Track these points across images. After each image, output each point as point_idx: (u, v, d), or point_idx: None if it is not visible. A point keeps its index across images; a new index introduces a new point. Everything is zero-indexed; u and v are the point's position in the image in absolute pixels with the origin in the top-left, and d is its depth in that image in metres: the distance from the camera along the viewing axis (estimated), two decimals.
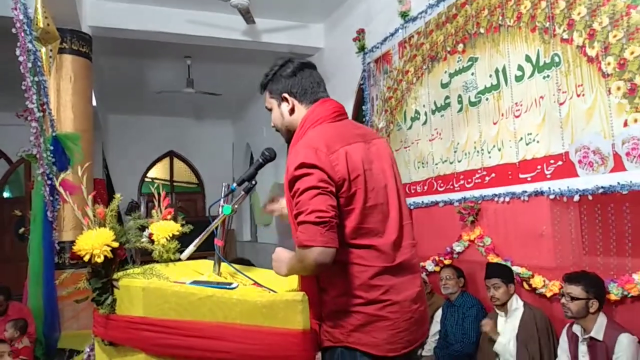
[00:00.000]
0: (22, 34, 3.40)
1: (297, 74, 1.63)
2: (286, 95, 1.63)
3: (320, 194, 1.39)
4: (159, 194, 2.09)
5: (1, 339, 3.18)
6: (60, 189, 1.46)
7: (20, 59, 3.44)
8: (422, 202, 4.15)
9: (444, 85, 3.93)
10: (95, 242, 1.37)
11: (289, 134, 1.68)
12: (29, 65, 3.57)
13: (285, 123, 1.66)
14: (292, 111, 1.64)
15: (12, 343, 3.73)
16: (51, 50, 4.24)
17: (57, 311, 4.42)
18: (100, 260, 1.36)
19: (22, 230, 5.17)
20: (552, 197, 2.94)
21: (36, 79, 3.76)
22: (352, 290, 1.45)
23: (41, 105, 3.97)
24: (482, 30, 3.52)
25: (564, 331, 2.69)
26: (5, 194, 8.86)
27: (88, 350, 3.76)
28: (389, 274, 1.48)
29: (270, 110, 1.71)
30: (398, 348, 1.46)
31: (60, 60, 4.87)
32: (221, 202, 1.75)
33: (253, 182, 1.77)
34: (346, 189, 1.45)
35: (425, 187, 4.16)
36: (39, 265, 4.31)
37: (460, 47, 3.74)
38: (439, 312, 3.64)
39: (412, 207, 4.23)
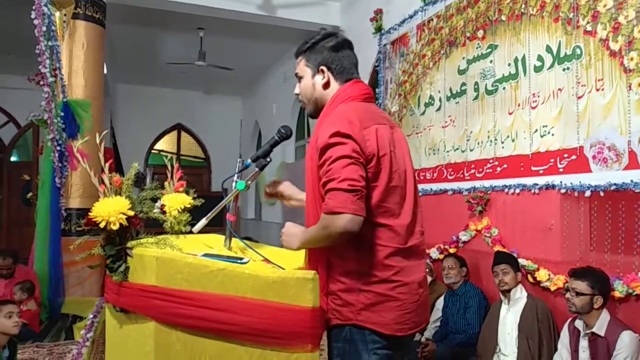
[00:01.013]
0: None
1: (340, 50, 1.61)
2: (324, 68, 1.61)
3: (352, 163, 1.40)
4: (172, 166, 2.09)
5: (11, 300, 3.23)
6: (78, 156, 1.46)
7: (36, 22, 3.42)
8: (431, 189, 4.14)
9: (461, 72, 3.88)
10: (111, 209, 1.37)
11: (315, 105, 1.66)
12: (44, 29, 3.55)
13: (316, 95, 1.64)
14: (326, 85, 1.62)
15: (19, 305, 3.78)
16: (65, 15, 4.22)
17: (62, 276, 4.47)
18: (115, 227, 1.37)
19: (29, 195, 5.20)
20: (563, 191, 2.92)
21: (50, 43, 3.74)
22: (365, 268, 1.46)
23: (53, 70, 3.96)
24: (503, 18, 3.46)
25: (566, 325, 2.70)
26: (13, 158, 8.89)
27: (91, 317, 3.83)
28: (401, 255, 1.50)
29: (299, 78, 1.67)
30: (405, 328, 1.48)
31: (74, 26, 4.83)
32: (235, 178, 1.74)
33: (268, 159, 1.76)
34: (374, 165, 1.46)
35: (435, 175, 4.14)
36: (45, 230, 4.36)
37: (480, 33, 3.68)
38: (441, 300, 3.66)
39: (420, 194, 4.19)
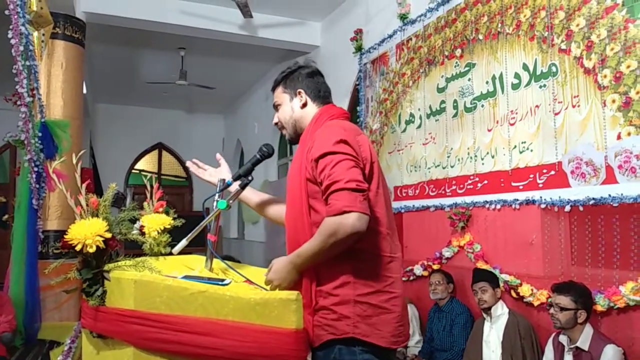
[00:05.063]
0: (16, 16, 3.33)
1: (314, 76, 1.71)
2: (301, 91, 1.68)
3: (355, 166, 1.44)
4: (151, 186, 2.05)
5: None
6: (54, 177, 1.42)
7: (13, 41, 3.37)
8: (413, 206, 4.16)
9: (440, 90, 3.93)
10: (87, 231, 1.33)
11: (294, 128, 1.71)
12: (21, 48, 3.50)
13: (295, 117, 1.69)
14: (304, 105, 1.68)
15: None
16: (43, 35, 4.16)
17: (39, 301, 4.34)
18: (92, 250, 1.33)
19: (5, 217, 5.07)
20: (543, 206, 2.96)
21: (27, 63, 3.68)
22: (362, 278, 1.46)
23: (31, 91, 3.90)
24: (480, 37, 3.53)
25: (550, 340, 2.70)
26: None
27: (69, 342, 3.71)
28: (394, 266, 1.52)
29: (277, 106, 1.73)
30: (399, 341, 1.49)
31: (52, 46, 4.78)
32: (216, 197, 1.72)
33: (249, 178, 1.74)
34: (368, 171, 1.51)
35: (417, 191, 4.16)
36: (21, 253, 4.24)
37: (458, 52, 3.75)
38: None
39: (402, 211, 4.24)
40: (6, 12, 3.29)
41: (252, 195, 1.88)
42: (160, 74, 7.56)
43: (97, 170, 9.16)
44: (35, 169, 4.11)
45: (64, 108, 4.90)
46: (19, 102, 3.71)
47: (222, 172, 1.87)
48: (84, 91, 5.72)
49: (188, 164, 1.96)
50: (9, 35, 3.34)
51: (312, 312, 1.47)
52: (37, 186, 4.19)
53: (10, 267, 4.28)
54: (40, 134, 4.14)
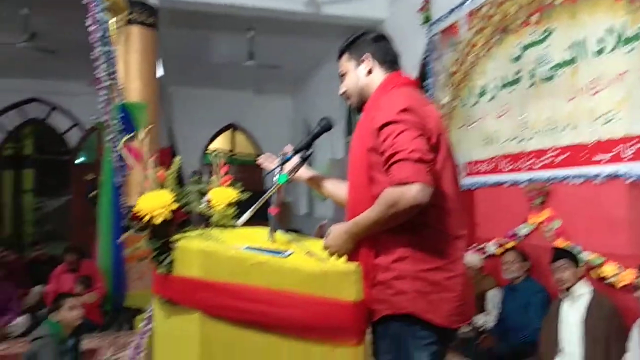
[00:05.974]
0: (93, 4, 3.52)
1: (380, 41, 1.66)
2: (368, 57, 1.62)
3: (420, 136, 1.39)
4: (217, 163, 2.11)
5: (71, 294, 3.43)
6: (126, 153, 1.49)
7: (91, 29, 3.57)
8: (486, 182, 3.99)
9: (515, 59, 3.70)
10: (154, 203, 1.39)
11: (360, 97, 1.65)
12: (99, 35, 3.70)
13: (360, 84, 1.64)
14: (369, 72, 1.62)
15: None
16: (119, 22, 4.37)
17: (124, 271, 4.66)
18: (158, 221, 1.39)
19: (92, 193, 5.47)
20: (630, 180, 2.72)
21: (105, 48, 3.89)
22: (420, 253, 1.42)
23: (109, 75, 4.12)
24: (558, 0, 3.26)
25: (637, 325, 2.51)
26: (81, 159, 9.41)
27: (150, 309, 3.96)
28: (457, 243, 1.47)
29: (343, 75, 1.68)
30: (458, 320, 1.45)
31: (128, 31, 5.01)
32: (277, 171, 1.74)
33: (309, 151, 1.74)
34: (434, 143, 1.44)
35: (490, 167, 3.98)
36: (107, 228, 4.56)
37: (534, 18, 3.49)
38: (495, 294, 3.56)
39: (474, 187, 4.08)
40: (84, 1, 3.48)
41: (302, 172, 1.82)
42: (230, 55, 7.71)
43: (175, 150, 9.61)
44: (116, 148, 4.37)
45: (141, 91, 5.15)
46: (99, 87, 3.94)
47: (293, 163, 1.85)
48: (159, 74, 5.97)
49: (260, 160, 1.96)
50: (88, 22, 3.54)
51: (370, 285, 1.45)
52: (119, 164, 4.46)
53: (98, 240, 4.63)
54: (121, 115, 4.39)
